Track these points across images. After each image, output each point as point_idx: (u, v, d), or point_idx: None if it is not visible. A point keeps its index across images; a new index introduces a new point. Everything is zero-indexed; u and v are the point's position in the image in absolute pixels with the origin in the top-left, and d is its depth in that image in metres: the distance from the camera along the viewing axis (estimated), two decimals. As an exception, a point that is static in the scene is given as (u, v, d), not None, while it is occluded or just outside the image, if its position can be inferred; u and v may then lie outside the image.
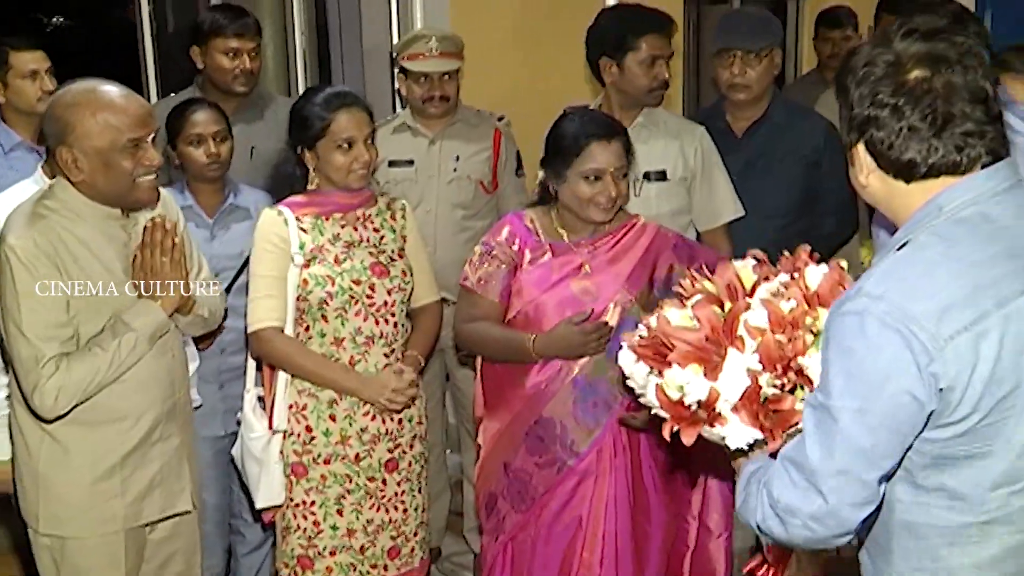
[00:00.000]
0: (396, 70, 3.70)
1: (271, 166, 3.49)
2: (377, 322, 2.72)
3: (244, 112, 3.50)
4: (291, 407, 2.72)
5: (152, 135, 2.34)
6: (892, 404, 1.51)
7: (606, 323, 2.61)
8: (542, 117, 2.91)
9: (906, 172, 1.60)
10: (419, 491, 2.88)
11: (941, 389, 1.51)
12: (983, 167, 1.59)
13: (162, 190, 2.52)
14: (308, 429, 2.72)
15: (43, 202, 2.32)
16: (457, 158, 3.59)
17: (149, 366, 2.40)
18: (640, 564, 2.75)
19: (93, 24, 7.82)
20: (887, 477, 1.59)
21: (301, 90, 4.41)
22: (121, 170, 2.29)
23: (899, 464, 1.60)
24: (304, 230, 2.68)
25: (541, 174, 2.79)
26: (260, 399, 2.77)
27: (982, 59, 1.59)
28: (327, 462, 2.72)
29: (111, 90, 2.31)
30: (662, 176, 3.26)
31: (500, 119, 3.72)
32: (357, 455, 2.73)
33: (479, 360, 2.86)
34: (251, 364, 2.78)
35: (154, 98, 4.24)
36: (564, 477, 2.69)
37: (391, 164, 3.59)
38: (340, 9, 4.98)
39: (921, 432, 1.56)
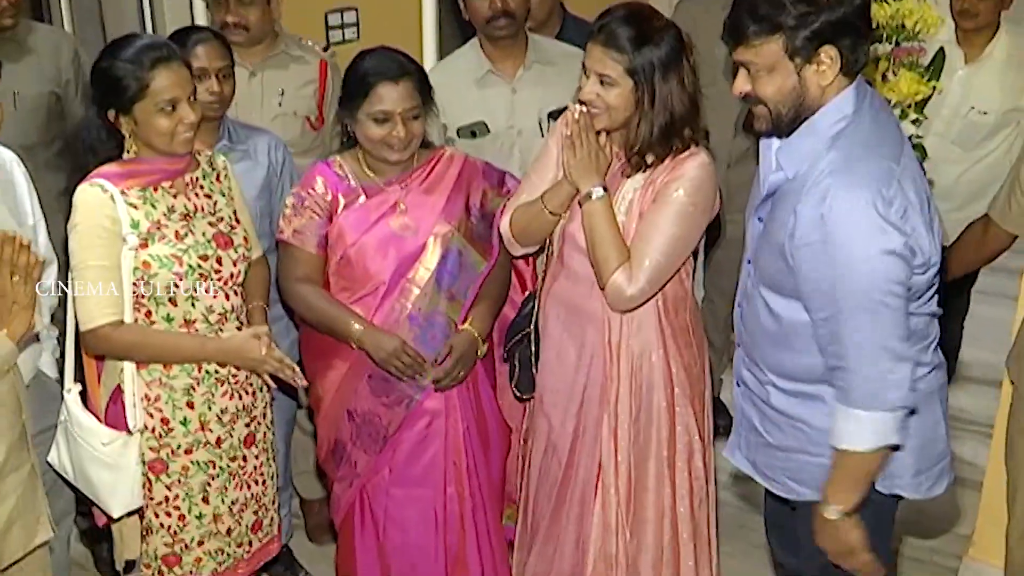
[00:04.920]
0: None
1: (43, 112, 3.06)
2: (228, 296, 2.50)
3: (2, 48, 2.99)
4: (142, 400, 2.45)
5: None
6: None
7: (423, 361, 2.63)
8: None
9: None
10: (272, 459, 2.76)
11: None
12: None
13: None
14: (164, 422, 2.47)
15: None
16: (282, 92, 3.27)
17: None
18: (491, 489, 2.86)
19: None
20: None
21: (64, 12, 3.84)
22: None
23: None
24: (134, 206, 2.36)
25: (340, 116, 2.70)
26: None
27: None
28: (188, 452, 2.50)
29: None
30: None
31: (325, 49, 3.42)
32: (218, 438, 2.53)
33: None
34: (70, 360, 2.48)
35: None
36: (415, 418, 2.72)
37: None
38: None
39: None
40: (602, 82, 2.41)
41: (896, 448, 2.11)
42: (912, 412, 2.11)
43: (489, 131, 3.16)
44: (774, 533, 2.59)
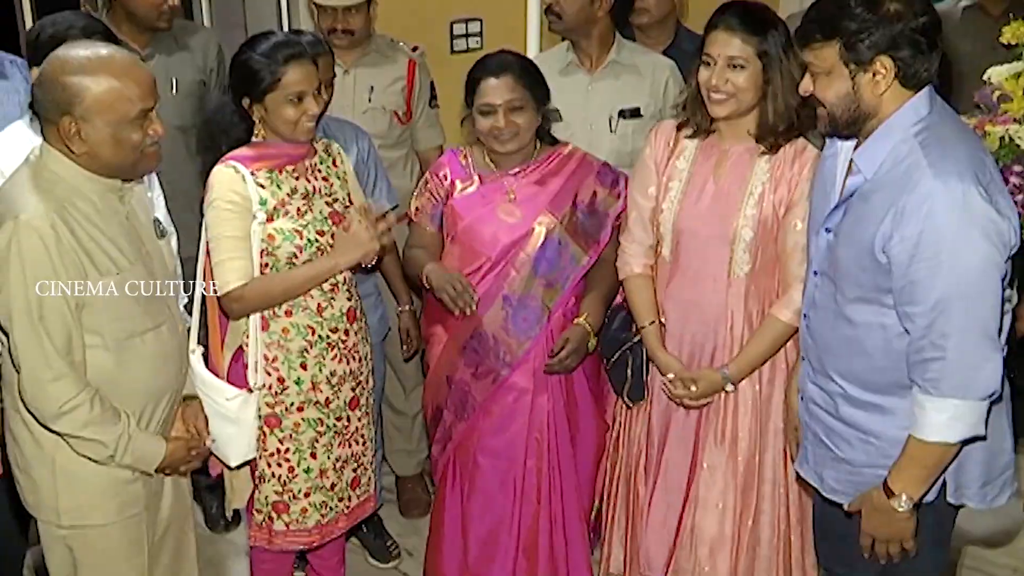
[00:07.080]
0: None
1: (195, 98, 3.39)
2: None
3: (161, 42, 3.35)
4: (261, 360, 2.70)
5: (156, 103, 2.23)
6: None
7: (473, 296, 2.82)
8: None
9: None
10: (373, 423, 3.00)
11: None
12: None
13: None
14: (280, 380, 2.72)
15: (43, 175, 2.16)
16: (371, 88, 3.53)
17: (166, 344, 2.34)
18: (576, 471, 3.01)
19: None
20: None
21: (205, 14, 4.21)
22: (131, 143, 2.18)
23: None
24: (262, 185, 2.63)
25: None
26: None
27: None
28: (300, 409, 2.75)
29: (118, 56, 2.18)
30: (636, 113, 3.35)
31: (414, 50, 3.67)
32: (327, 399, 2.77)
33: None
34: (195, 324, 2.73)
35: (28, 21, 3.93)
36: (503, 392, 2.92)
37: None
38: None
39: None
40: (731, 65, 2.52)
41: (976, 439, 2.14)
42: (994, 402, 2.12)
43: (561, 119, 3.30)
44: (825, 542, 2.56)
